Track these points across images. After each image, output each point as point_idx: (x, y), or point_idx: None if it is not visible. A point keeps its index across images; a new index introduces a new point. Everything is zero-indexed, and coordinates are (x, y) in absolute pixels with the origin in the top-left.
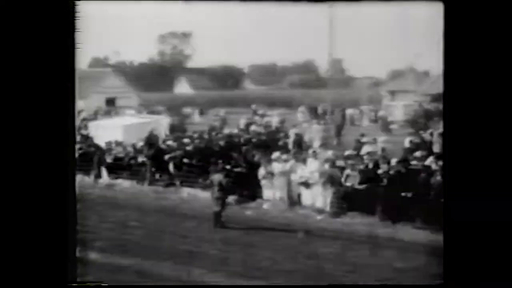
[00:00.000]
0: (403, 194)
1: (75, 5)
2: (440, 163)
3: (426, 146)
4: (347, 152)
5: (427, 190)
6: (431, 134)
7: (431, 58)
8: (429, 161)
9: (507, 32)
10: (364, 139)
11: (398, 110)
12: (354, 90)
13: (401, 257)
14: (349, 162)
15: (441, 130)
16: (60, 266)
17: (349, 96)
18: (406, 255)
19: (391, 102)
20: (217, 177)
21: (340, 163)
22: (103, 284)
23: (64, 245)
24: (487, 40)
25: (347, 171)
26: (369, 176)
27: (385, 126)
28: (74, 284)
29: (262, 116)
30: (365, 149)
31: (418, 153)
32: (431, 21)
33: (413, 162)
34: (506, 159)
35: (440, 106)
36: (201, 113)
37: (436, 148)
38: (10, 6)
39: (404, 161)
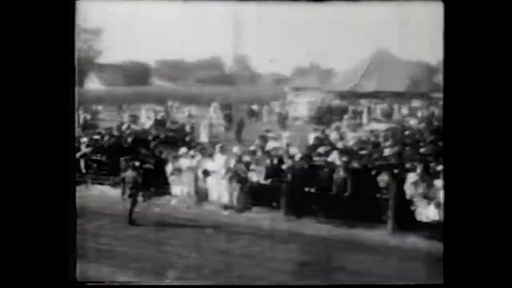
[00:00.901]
0: (306, 189)
1: (75, 4)
2: (343, 158)
3: (329, 142)
4: (252, 148)
5: (330, 185)
6: (334, 130)
7: (335, 56)
8: (332, 157)
9: (507, 32)
10: (269, 135)
11: (302, 107)
12: (259, 86)
13: (305, 251)
14: (255, 157)
15: (343, 126)
16: (60, 266)
17: (254, 92)
18: (310, 249)
19: (296, 98)
20: (128, 174)
21: (246, 158)
22: (103, 284)
23: (63, 245)
24: (487, 39)
25: (253, 167)
26: (273, 171)
27: (289, 122)
28: (74, 284)
29: (170, 112)
30: (270, 145)
31: (321, 149)
32: (337, 21)
33: (316, 158)
34: (506, 160)
35: (343, 103)
36: (111, 109)
37: (339, 144)
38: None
39: (307, 157)
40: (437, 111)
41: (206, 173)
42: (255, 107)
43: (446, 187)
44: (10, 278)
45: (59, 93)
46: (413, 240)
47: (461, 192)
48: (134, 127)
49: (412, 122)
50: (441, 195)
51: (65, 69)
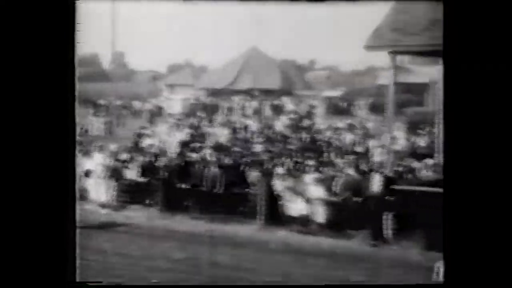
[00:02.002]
0: (180, 185)
1: (75, 4)
2: (215, 155)
3: (202, 138)
4: (128, 145)
5: (203, 182)
6: (207, 127)
7: (208, 53)
8: (204, 153)
9: (507, 32)
10: (144, 132)
11: (176, 104)
12: (135, 83)
13: (179, 247)
14: (130, 155)
15: (215, 123)
16: (59, 266)
17: (130, 89)
18: (184, 245)
19: (170, 95)
20: None
21: (122, 156)
22: (103, 284)
23: (63, 245)
24: (487, 40)
25: (129, 164)
26: (149, 168)
27: (163, 119)
28: (74, 284)
29: None
30: (145, 142)
31: (194, 145)
32: (210, 19)
33: (190, 154)
34: (506, 159)
35: (216, 100)
36: None
37: (211, 140)
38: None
39: (181, 153)
40: (306, 108)
41: (87, 174)
42: (135, 103)
43: (445, 186)
44: (9, 278)
45: (59, 94)
46: (283, 234)
47: (461, 191)
48: None
49: (282, 119)
50: (309, 189)
51: (65, 69)
